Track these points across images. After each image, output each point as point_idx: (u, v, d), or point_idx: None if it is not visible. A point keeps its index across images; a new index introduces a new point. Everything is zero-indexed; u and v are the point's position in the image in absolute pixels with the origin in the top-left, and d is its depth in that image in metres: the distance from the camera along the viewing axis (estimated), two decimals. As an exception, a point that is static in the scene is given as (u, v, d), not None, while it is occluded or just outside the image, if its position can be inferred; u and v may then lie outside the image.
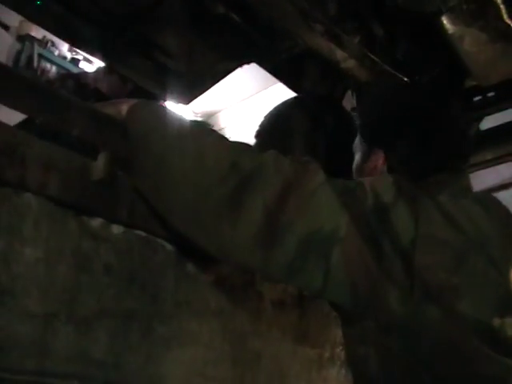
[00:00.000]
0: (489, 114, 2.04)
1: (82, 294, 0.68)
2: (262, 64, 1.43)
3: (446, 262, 0.71)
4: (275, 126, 1.79)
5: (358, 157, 1.05)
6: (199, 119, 5.77)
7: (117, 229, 0.74)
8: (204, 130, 0.83)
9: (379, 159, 0.97)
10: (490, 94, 1.99)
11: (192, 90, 1.56)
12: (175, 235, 0.79)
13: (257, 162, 0.75)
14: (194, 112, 5.21)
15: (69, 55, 4.65)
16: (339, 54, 1.36)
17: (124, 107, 0.82)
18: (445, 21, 1.45)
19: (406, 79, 1.47)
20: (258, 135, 1.85)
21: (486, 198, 0.84)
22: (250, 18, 1.28)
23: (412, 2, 1.33)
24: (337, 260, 0.69)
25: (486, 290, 0.72)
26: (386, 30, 1.43)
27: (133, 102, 0.84)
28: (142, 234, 0.78)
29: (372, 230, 0.70)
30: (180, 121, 0.84)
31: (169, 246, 0.81)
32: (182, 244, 0.81)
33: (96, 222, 0.72)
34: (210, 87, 1.61)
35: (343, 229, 0.69)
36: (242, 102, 5.42)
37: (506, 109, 2.04)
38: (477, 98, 2.01)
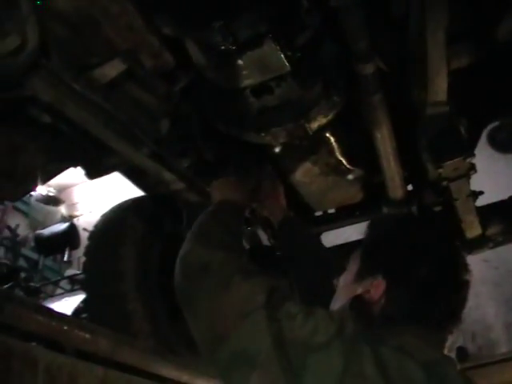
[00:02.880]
0: (329, 230, 2.08)
1: None
2: (91, 175, 1.41)
3: None
4: (108, 231, 1.75)
5: (349, 270, 0.93)
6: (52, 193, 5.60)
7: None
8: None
9: (376, 287, 0.84)
10: (331, 211, 2.04)
11: (21, 187, 1.50)
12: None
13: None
14: (47, 184, 5.03)
15: None
16: (167, 175, 1.36)
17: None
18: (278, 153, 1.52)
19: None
20: (91, 238, 1.80)
21: (436, 364, 0.77)
22: (78, 131, 1.26)
23: (243, 133, 1.39)
24: None
25: None
26: (218, 153, 1.47)
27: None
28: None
29: (292, 362, 0.71)
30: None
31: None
32: None
33: None
34: (45, 183, 1.56)
35: (262, 355, 0.72)
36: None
37: (346, 225, 2.12)
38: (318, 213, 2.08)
